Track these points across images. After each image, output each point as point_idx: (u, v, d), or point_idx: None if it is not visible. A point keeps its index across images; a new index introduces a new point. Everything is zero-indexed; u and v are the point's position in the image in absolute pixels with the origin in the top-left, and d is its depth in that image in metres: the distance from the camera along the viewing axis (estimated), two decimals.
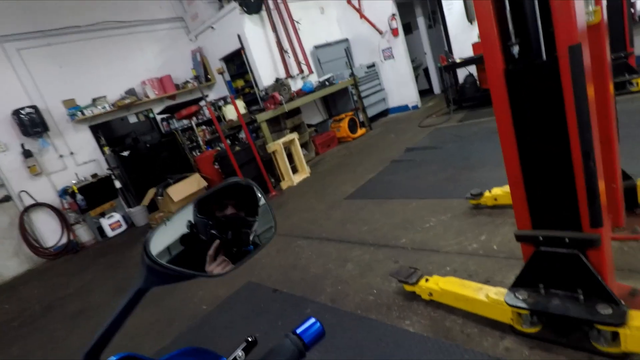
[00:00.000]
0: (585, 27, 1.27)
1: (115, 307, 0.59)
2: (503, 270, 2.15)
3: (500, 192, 2.80)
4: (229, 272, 0.64)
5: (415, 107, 8.31)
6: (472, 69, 6.69)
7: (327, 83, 6.97)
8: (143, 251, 0.56)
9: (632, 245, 1.96)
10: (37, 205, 5.78)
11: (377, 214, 3.52)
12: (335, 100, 8.35)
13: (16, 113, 5.61)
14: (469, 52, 6.53)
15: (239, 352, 0.48)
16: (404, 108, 8.47)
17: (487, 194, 2.88)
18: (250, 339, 0.49)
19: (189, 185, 5.09)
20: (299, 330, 0.50)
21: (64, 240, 5.91)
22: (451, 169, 4.03)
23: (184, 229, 0.65)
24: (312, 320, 0.52)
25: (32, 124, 5.71)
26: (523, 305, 1.56)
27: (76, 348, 2.96)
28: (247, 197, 0.71)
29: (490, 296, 1.75)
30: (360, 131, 7.38)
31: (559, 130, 1.29)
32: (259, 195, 0.72)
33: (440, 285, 1.99)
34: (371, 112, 8.04)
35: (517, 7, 1.27)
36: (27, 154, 5.69)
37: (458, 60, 6.38)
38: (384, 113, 8.65)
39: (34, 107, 5.76)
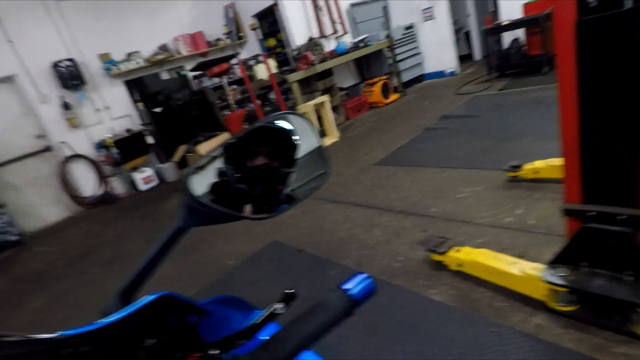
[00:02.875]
0: None
1: (152, 247, 0.57)
2: (539, 246, 2.04)
3: (542, 165, 2.63)
4: (267, 219, 0.60)
5: (452, 74, 7.86)
6: (520, 33, 6.18)
7: (361, 44, 6.66)
8: (182, 189, 0.54)
9: None
10: (76, 156, 6.03)
11: (407, 182, 3.42)
12: (369, 63, 8.01)
13: (55, 66, 5.73)
14: (518, 15, 6.00)
15: (279, 305, 0.44)
16: (441, 74, 8.04)
17: (527, 166, 2.72)
18: (289, 292, 0.45)
19: (219, 144, 5.13)
20: (348, 285, 0.46)
21: (100, 191, 6.19)
22: (488, 139, 3.82)
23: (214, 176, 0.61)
24: (364, 275, 0.48)
25: (70, 76, 5.84)
26: (562, 282, 1.48)
27: (111, 289, 3.15)
28: (284, 143, 0.65)
29: (525, 271, 1.67)
30: (393, 97, 7.11)
31: (634, 94, 1.14)
32: (310, 134, 0.64)
33: (471, 256, 1.92)
34: (406, 77, 7.69)
35: None
36: (66, 106, 5.88)
37: (505, 23, 5.89)
38: (419, 79, 8.25)
39: (71, 60, 5.87)
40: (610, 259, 1.40)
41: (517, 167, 2.75)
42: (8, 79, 5.57)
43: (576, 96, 1.26)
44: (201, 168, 0.59)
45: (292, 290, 0.46)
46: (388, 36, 7.00)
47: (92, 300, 3.11)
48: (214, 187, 0.60)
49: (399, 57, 7.36)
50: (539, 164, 2.67)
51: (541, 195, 2.52)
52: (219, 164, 0.62)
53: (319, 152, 0.67)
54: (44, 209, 5.84)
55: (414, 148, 4.26)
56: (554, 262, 1.56)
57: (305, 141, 0.70)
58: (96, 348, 0.40)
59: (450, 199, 2.87)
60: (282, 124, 0.67)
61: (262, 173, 0.63)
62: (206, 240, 3.50)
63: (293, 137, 0.66)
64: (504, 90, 5.53)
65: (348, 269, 2.40)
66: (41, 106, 5.77)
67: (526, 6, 5.77)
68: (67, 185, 5.97)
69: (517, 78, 5.91)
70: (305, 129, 0.69)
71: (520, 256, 1.97)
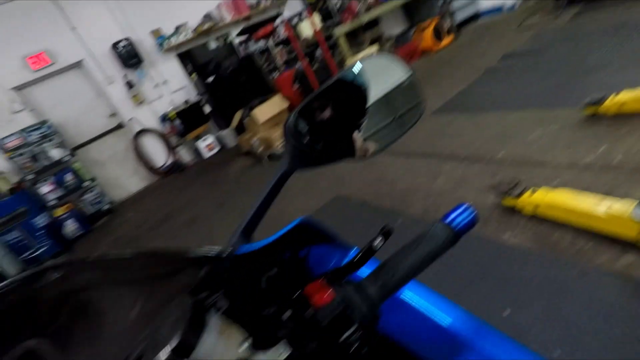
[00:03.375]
0: None
1: (262, 191, 0.62)
2: (627, 184, 1.90)
3: (631, 96, 2.37)
4: (375, 154, 0.61)
5: (512, 8, 7.08)
6: None
7: None
8: (287, 133, 0.56)
9: None
10: (145, 131, 6.52)
11: (469, 128, 3.28)
12: (418, 6, 7.45)
13: (114, 47, 6.08)
14: None
15: (379, 238, 0.47)
16: (498, 9, 7.28)
17: (610, 99, 2.46)
18: (386, 228, 0.48)
19: (272, 106, 5.23)
20: (450, 217, 0.48)
21: (170, 161, 6.70)
22: (560, 74, 3.48)
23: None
24: (464, 205, 0.49)
25: (128, 56, 6.18)
26: None
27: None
28: (356, 93, 0.64)
29: (613, 210, 1.58)
30: (447, 40, 6.63)
31: None
32: (394, 69, 0.64)
33: (548, 197, 1.85)
34: (460, 17, 7.09)
35: None
36: (129, 84, 6.28)
37: None
38: (474, 17, 7.56)
39: (127, 39, 6.17)
40: None
41: (597, 102, 2.50)
42: (78, 65, 6.04)
43: None
44: (301, 114, 0.60)
45: (390, 227, 0.48)
46: None
47: None
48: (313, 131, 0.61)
49: None
50: (625, 95, 2.41)
51: (628, 130, 2.29)
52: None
53: (409, 84, 0.66)
54: (125, 180, 6.51)
55: (475, 92, 4.02)
56: None
57: (388, 78, 0.69)
58: (250, 264, 0.49)
59: (520, 142, 2.72)
60: (353, 71, 0.65)
61: (326, 125, 0.63)
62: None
63: (359, 82, 0.65)
64: (575, 19, 4.90)
65: (413, 218, 2.42)
66: (108, 87, 6.23)
67: None
68: (141, 157, 6.52)
69: (590, 3, 5.18)
70: (388, 66, 0.69)
71: (606, 195, 1.86)
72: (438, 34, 6.55)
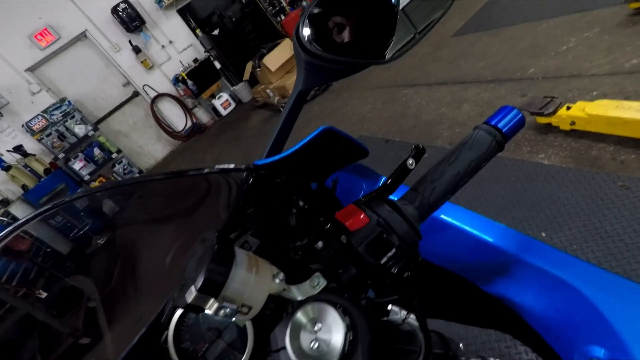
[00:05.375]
0: None
1: (281, 115, 0.58)
2: None
3: None
4: (398, 57, 0.53)
5: None
6: None
7: None
8: (297, 43, 0.49)
9: None
10: (160, 95, 6.50)
11: (494, 46, 3.02)
12: None
13: (114, 11, 5.89)
14: None
15: (410, 160, 0.43)
16: None
17: None
18: (419, 146, 0.43)
19: (283, 52, 5.01)
20: (494, 120, 0.43)
21: (189, 123, 6.73)
22: None
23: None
24: (508, 107, 0.44)
25: (129, 19, 5.98)
26: None
27: None
28: None
29: None
30: None
31: None
32: None
33: (587, 110, 1.71)
34: None
35: None
36: (136, 49, 6.16)
37: None
38: None
39: (125, 1, 5.94)
40: None
41: None
42: (82, 36, 5.94)
43: None
44: (311, 17, 0.51)
45: (422, 146, 0.43)
46: None
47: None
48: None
49: None
50: None
51: None
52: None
53: None
54: (151, 147, 6.65)
55: (497, 5, 3.65)
56: None
57: None
58: (280, 173, 0.48)
59: (552, 54, 2.49)
60: None
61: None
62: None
63: None
64: None
65: (441, 149, 2.35)
66: (116, 55, 6.14)
67: None
68: (161, 123, 6.59)
69: None
70: None
71: None
72: None
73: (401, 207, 0.41)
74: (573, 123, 1.78)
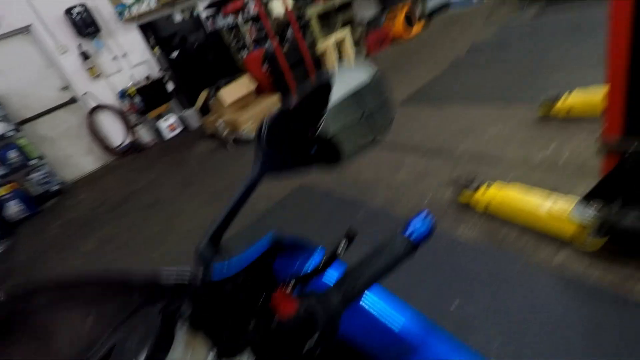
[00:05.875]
0: None
1: (231, 196, 0.62)
2: (571, 184, 2.02)
3: (579, 100, 2.50)
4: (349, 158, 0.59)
5: (480, 1, 7.20)
6: None
7: None
8: (260, 139, 0.57)
9: None
10: (101, 106, 6.13)
11: (434, 120, 3.35)
12: None
13: (68, 12, 5.61)
14: None
15: (343, 242, 0.49)
16: (468, 2, 7.38)
17: (562, 101, 2.58)
18: (350, 232, 0.49)
19: (240, 88, 5.07)
20: (409, 229, 0.50)
21: (128, 140, 6.38)
22: (521, 70, 3.61)
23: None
24: (423, 214, 0.51)
25: (84, 23, 5.73)
26: (594, 217, 1.49)
27: (155, 232, 3.41)
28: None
29: (555, 207, 1.68)
30: (417, 28, 6.67)
31: None
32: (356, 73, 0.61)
33: (499, 195, 1.93)
34: (430, 6, 7.12)
35: None
36: (84, 55, 5.85)
37: None
38: (445, 7, 7.63)
39: (83, 5, 5.71)
40: None
41: (552, 101, 2.62)
42: (25, 30, 5.53)
43: (630, 14, 1.16)
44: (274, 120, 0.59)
45: (354, 231, 0.50)
46: None
47: (139, 241, 3.38)
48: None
49: None
50: (575, 98, 2.54)
51: (575, 131, 2.43)
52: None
53: (377, 86, 0.63)
54: (79, 159, 6.13)
55: (440, 85, 4.09)
56: (586, 198, 1.55)
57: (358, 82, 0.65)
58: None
59: (479, 137, 2.81)
60: (329, 77, 0.64)
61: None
62: (234, 186, 3.65)
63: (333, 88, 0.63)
64: (538, 17, 5.07)
65: (375, 210, 2.47)
66: (61, 57, 5.77)
67: None
68: (96, 135, 6.16)
69: (552, 3, 5.35)
70: (360, 73, 0.65)
71: (552, 191, 1.97)
72: (409, 21, 6.57)
73: (327, 297, 0.46)
74: (488, 205, 2.00)
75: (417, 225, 0.49)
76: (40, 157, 5.41)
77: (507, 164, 2.40)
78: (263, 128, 0.56)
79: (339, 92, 0.61)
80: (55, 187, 5.49)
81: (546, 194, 1.80)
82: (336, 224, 2.49)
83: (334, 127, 0.61)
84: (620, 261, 1.53)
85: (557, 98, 2.60)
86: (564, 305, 1.49)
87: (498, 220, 1.97)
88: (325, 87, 0.60)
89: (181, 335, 0.39)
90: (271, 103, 4.99)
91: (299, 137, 0.59)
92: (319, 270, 0.50)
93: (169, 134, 6.44)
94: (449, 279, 1.78)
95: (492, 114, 3.04)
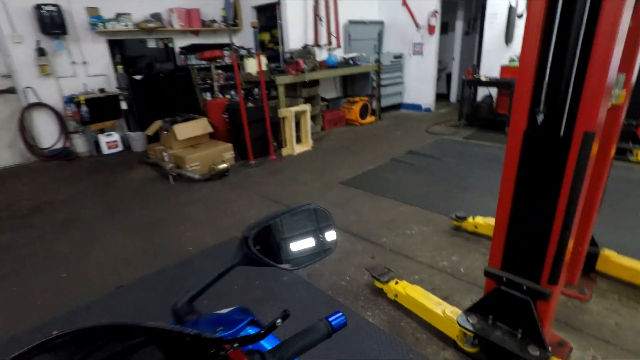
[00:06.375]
0: (605, 111, 1.43)
1: (212, 273, 0.78)
2: (462, 293, 2.41)
3: (482, 222, 3.03)
4: (296, 269, 0.80)
5: (428, 110, 8.39)
6: (493, 91, 6.78)
7: (351, 62, 6.97)
8: (243, 240, 0.75)
9: (575, 303, 2.24)
10: (40, 105, 5.77)
11: (366, 207, 3.73)
12: (354, 81, 8.35)
13: (38, 8, 5.47)
14: (495, 73, 6.60)
15: (279, 320, 0.64)
16: (417, 107, 8.55)
17: (470, 219, 3.11)
18: (285, 312, 0.65)
19: (196, 128, 5.17)
20: (330, 319, 0.70)
21: (60, 145, 5.98)
22: (445, 183, 4.24)
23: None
24: (340, 313, 0.72)
25: (52, 23, 5.59)
26: (471, 328, 1.82)
27: (65, 252, 3.17)
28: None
29: (446, 312, 2.00)
30: (370, 119, 7.49)
31: (550, 198, 1.49)
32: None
33: (406, 290, 2.24)
34: (385, 103, 8.10)
35: (555, 80, 1.40)
36: (41, 52, 5.61)
37: (483, 79, 6.45)
38: (397, 107, 8.72)
39: (56, 6, 5.61)
40: (510, 317, 1.76)
41: (462, 218, 3.14)
42: None
43: (512, 185, 1.59)
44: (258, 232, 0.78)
45: (288, 312, 0.66)
46: (377, 61, 7.37)
47: (43, 257, 3.12)
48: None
49: (383, 82, 7.75)
50: (479, 219, 3.07)
51: (476, 248, 2.92)
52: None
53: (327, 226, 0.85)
54: None
55: (379, 176, 4.60)
56: (469, 310, 1.90)
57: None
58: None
59: (401, 233, 3.21)
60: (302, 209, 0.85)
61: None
62: (171, 223, 3.60)
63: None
64: (468, 139, 6.06)
65: (300, 279, 2.64)
66: (14, 45, 5.48)
67: (503, 69, 6.37)
68: (24, 132, 5.71)
69: (482, 130, 6.48)
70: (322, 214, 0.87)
71: (445, 298, 2.32)
72: (364, 112, 7.38)
73: (269, 355, 0.62)
74: (396, 296, 2.29)
75: (336, 318, 0.71)
76: None
77: (416, 263, 2.77)
78: (251, 233, 0.75)
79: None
80: None
81: (438, 301, 2.14)
82: (262, 284, 2.59)
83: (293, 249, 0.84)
84: None
85: (465, 217, 3.12)
86: None
87: (404, 309, 2.25)
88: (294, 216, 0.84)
89: None
90: (222, 150, 5.14)
91: (272, 248, 0.80)
92: (261, 336, 0.65)
93: (107, 150, 6.16)
94: (350, 355, 1.97)
95: (415, 215, 3.51)
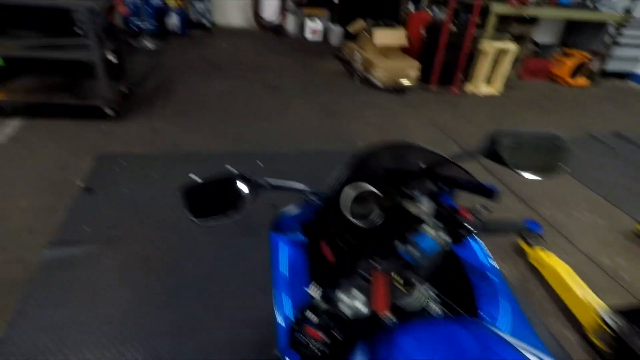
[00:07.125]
0: None
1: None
2: (610, 295, 2.27)
3: None
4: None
5: None
6: None
7: (589, 4, 5.70)
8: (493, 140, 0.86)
9: None
10: None
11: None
12: (581, 29, 6.84)
13: None
14: None
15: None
16: None
17: None
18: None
19: (393, 37, 5.25)
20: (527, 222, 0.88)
21: (277, 21, 6.90)
22: None
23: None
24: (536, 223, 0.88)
25: None
26: (615, 327, 1.80)
27: (272, 107, 4.01)
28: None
29: (588, 299, 1.98)
30: (581, 81, 6.28)
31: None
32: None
33: (552, 260, 2.24)
34: (610, 66, 6.57)
35: None
36: None
37: None
38: (624, 76, 6.98)
39: None
40: None
41: None
42: None
43: None
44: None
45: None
46: (628, 11, 5.82)
47: (258, 95, 4.14)
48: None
49: (621, 40, 6.19)
50: None
51: None
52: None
53: None
54: (232, 9, 6.88)
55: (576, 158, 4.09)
56: (620, 312, 1.84)
57: None
58: None
59: (567, 212, 2.99)
60: None
61: None
62: (349, 115, 4.08)
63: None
64: None
65: None
66: None
67: None
68: (256, 3, 6.74)
69: None
70: None
71: None
72: (578, 70, 6.20)
73: None
74: (537, 263, 2.32)
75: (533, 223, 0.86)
76: None
77: (571, 245, 2.63)
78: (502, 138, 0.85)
79: None
80: (207, 24, 6.32)
81: (584, 286, 2.09)
82: None
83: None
84: None
85: None
86: None
87: (539, 277, 2.30)
88: None
89: None
90: (408, 66, 5.13)
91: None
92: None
93: (309, 35, 6.86)
94: None
95: (593, 203, 3.13)
